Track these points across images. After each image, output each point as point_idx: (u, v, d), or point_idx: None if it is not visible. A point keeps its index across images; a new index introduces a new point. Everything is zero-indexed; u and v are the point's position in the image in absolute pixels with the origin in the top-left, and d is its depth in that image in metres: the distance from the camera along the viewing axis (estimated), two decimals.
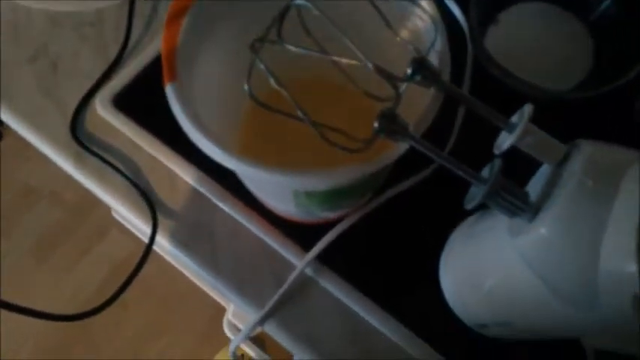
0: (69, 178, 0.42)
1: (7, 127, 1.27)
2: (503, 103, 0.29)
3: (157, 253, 0.98)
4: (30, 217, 1.19)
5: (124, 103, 0.42)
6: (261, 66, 0.22)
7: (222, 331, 0.80)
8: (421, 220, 0.39)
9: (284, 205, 0.33)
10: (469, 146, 0.36)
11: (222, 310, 0.96)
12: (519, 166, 0.27)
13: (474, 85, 0.42)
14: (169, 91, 0.25)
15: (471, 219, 0.36)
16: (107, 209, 1.01)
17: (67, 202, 1.20)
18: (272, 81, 0.23)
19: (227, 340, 0.89)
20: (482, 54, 0.41)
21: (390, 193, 0.38)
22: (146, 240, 0.38)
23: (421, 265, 0.37)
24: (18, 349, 1.05)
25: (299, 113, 0.23)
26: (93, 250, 1.15)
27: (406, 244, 0.39)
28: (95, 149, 0.41)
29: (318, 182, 0.24)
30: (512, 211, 0.23)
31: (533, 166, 0.28)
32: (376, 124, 0.23)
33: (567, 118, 0.39)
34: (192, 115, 0.24)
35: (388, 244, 0.39)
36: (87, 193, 0.42)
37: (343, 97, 0.33)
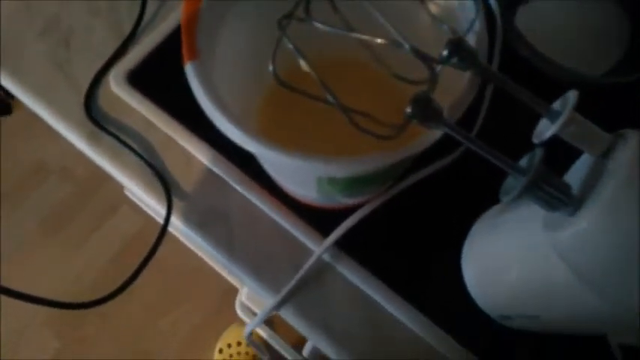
0: (79, 154, 0.41)
1: (17, 101, 1.26)
2: (532, 88, 0.28)
3: (168, 230, 0.98)
4: (40, 193, 1.19)
5: (138, 80, 0.40)
6: (289, 45, 0.21)
7: (232, 307, 0.80)
8: (443, 207, 0.38)
9: (305, 191, 0.32)
10: (497, 130, 0.34)
11: (232, 288, 0.96)
12: (557, 155, 0.26)
13: (501, 68, 0.40)
14: (189, 70, 0.24)
15: (496, 208, 0.35)
16: (118, 185, 1.01)
17: (78, 178, 1.20)
18: (302, 62, 0.22)
19: (236, 318, 0.89)
20: (511, 34, 0.39)
21: (412, 179, 0.37)
22: (158, 218, 0.37)
23: (442, 253, 0.36)
24: (31, 318, 1.06)
25: (328, 97, 0.22)
26: (103, 225, 1.15)
27: (427, 232, 0.38)
28: (109, 127, 0.39)
29: (345, 169, 0.23)
30: (552, 204, 0.22)
31: (572, 155, 0.26)
32: (409, 109, 0.22)
33: (601, 104, 0.37)
34: (214, 95, 0.23)
35: (409, 231, 0.38)
36: (97, 169, 0.41)
37: (369, 79, 0.32)
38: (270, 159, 0.24)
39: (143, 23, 0.43)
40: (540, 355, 0.35)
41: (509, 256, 0.30)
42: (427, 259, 0.37)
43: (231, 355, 1.00)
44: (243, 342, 1.00)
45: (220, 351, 1.02)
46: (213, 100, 0.23)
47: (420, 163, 0.37)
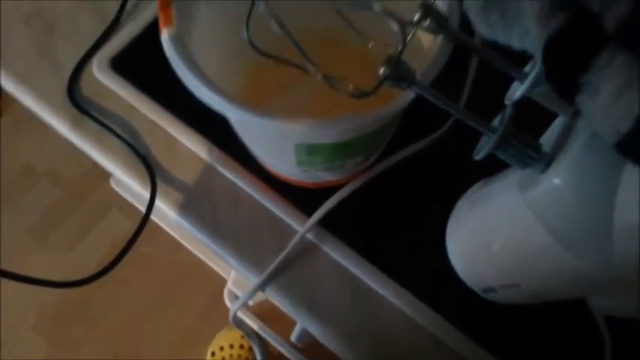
0: (68, 156, 0.42)
1: (6, 104, 1.26)
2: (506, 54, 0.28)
3: (158, 231, 0.98)
4: (30, 196, 1.18)
5: (121, 65, 0.41)
6: (261, 7, 0.21)
7: (224, 310, 0.79)
8: (427, 185, 0.38)
9: (285, 165, 0.32)
10: (483, 101, 0.34)
11: (223, 289, 0.96)
12: (535, 121, 0.26)
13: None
14: (164, 35, 0.24)
15: (477, 184, 0.35)
16: (107, 187, 1.01)
17: (67, 181, 1.19)
18: (274, 25, 0.22)
19: (228, 321, 0.88)
20: None
21: (395, 158, 0.37)
22: (142, 207, 0.37)
23: (426, 230, 0.37)
24: (18, 324, 1.05)
25: (307, 65, 0.22)
26: (93, 228, 1.15)
27: (411, 210, 0.38)
28: (93, 113, 0.40)
29: (318, 130, 0.23)
30: (524, 160, 0.22)
31: (550, 120, 0.27)
32: (382, 70, 0.22)
33: None
34: (188, 58, 0.23)
35: (392, 209, 0.38)
36: (87, 171, 0.41)
37: (350, 56, 0.32)
38: (242, 120, 0.24)
39: (127, 10, 0.43)
40: (524, 329, 0.35)
41: (491, 226, 0.30)
42: (411, 236, 0.37)
43: (223, 358, 1.00)
44: (236, 345, 1.00)
45: (213, 354, 1.01)
46: (186, 62, 0.23)
47: (404, 141, 0.38)
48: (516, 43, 0.17)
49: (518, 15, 0.16)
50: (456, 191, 0.36)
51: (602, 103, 0.14)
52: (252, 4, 0.22)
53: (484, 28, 0.18)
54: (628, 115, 0.14)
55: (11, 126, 1.23)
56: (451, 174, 0.38)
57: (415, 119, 0.34)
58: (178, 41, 0.24)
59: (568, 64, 0.14)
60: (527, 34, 0.15)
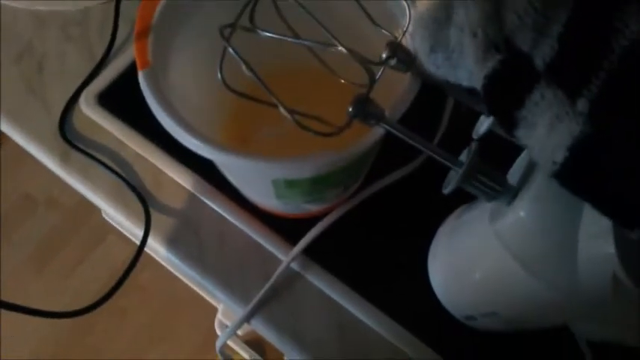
0: (65, 184, 0.42)
1: (5, 135, 1.27)
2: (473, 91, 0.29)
3: (154, 260, 0.98)
4: (28, 224, 1.19)
5: (108, 101, 0.42)
6: (231, 51, 0.22)
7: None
8: (409, 213, 0.39)
9: (266, 199, 0.33)
10: (461, 132, 0.35)
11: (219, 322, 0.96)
12: (505, 155, 0.27)
13: None
14: (141, 77, 0.25)
15: (457, 211, 0.35)
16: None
17: (64, 209, 1.20)
18: (243, 67, 0.23)
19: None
20: None
21: (376, 186, 0.38)
22: (134, 239, 0.38)
23: (409, 258, 0.37)
24: (17, 353, 1.05)
25: (274, 101, 0.23)
26: (91, 255, 1.15)
27: (394, 238, 0.38)
28: (82, 147, 0.40)
29: (293, 168, 0.24)
30: (490, 194, 0.23)
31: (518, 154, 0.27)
32: (350, 109, 0.23)
33: None
34: (164, 101, 0.24)
35: (376, 237, 0.38)
36: (83, 198, 0.42)
37: (325, 86, 0.33)
38: (221, 162, 0.25)
39: (114, 48, 0.44)
40: (506, 356, 0.35)
41: (467, 255, 0.31)
42: (394, 264, 0.38)
43: None
44: None
45: None
46: (162, 105, 0.24)
47: (385, 169, 0.38)
48: (465, 82, 0.18)
49: (461, 57, 0.17)
50: (438, 217, 0.36)
51: (537, 136, 0.15)
52: (224, 49, 0.23)
53: (433, 68, 0.19)
54: (561, 145, 0.14)
55: (9, 155, 1.25)
56: (433, 200, 0.38)
57: (396, 146, 0.35)
58: (154, 83, 0.25)
59: (504, 100, 0.15)
60: (472, 74, 0.16)
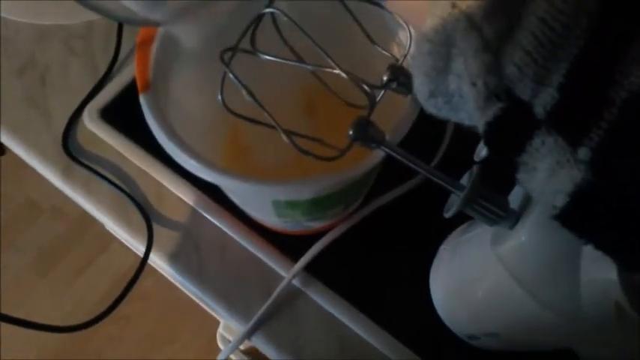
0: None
1: None
2: None
3: (157, 270, 0.98)
4: (31, 231, 1.19)
5: (111, 115, 0.42)
6: (231, 75, 0.22)
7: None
8: (410, 230, 0.39)
9: (267, 217, 0.33)
10: (462, 154, 0.35)
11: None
12: (507, 177, 0.27)
13: None
14: (142, 101, 0.25)
15: (460, 229, 0.35)
16: None
17: (68, 217, 1.20)
18: (243, 92, 0.23)
19: None
20: None
21: (378, 203, 0.38)
22: (136, 251, 0.38)
23: (410, 275, 0.37)
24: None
25: (273, 123, 0.23)
26: (94, 263, 1.15)
27: (396, 255, 0.38)
28: (85, 162, 0.40)
29: (293, 191, 0.24)
30: (492, 219, 0.23)
31: None
32: (351, 132, 0.23)
33: None
34: (165, 125, 0.24)
35: (377, 254, 0.38)
36: None
37: (326, 108, 0.33)
38: (221, 184, 0.25)
39: (118, 62, 0.44)
40: None
41: (469, 275, 0.31)
42: (396, 281, 0.37)
43: None
44: None
45: None
46: (163, 129, 0.24)
47: (387, 186, 0.38)
48: (466, 122, 0.18)
49: (461, 101, 0.17)
50: (439, 234, 0.36)
51: (538, 181, 0.15)
52: (224, 74, 0.23)
53: (434, 111, 0.19)
54: (562, 191, 0.14)
55: (14, 162, 1.25)
56: (434, 217, 0.38)
57: (397, 164, 0.34)
58: (155, 105, 0.25)
59: (505, 146, 0.15)
60: (473, 117, 0.16)
